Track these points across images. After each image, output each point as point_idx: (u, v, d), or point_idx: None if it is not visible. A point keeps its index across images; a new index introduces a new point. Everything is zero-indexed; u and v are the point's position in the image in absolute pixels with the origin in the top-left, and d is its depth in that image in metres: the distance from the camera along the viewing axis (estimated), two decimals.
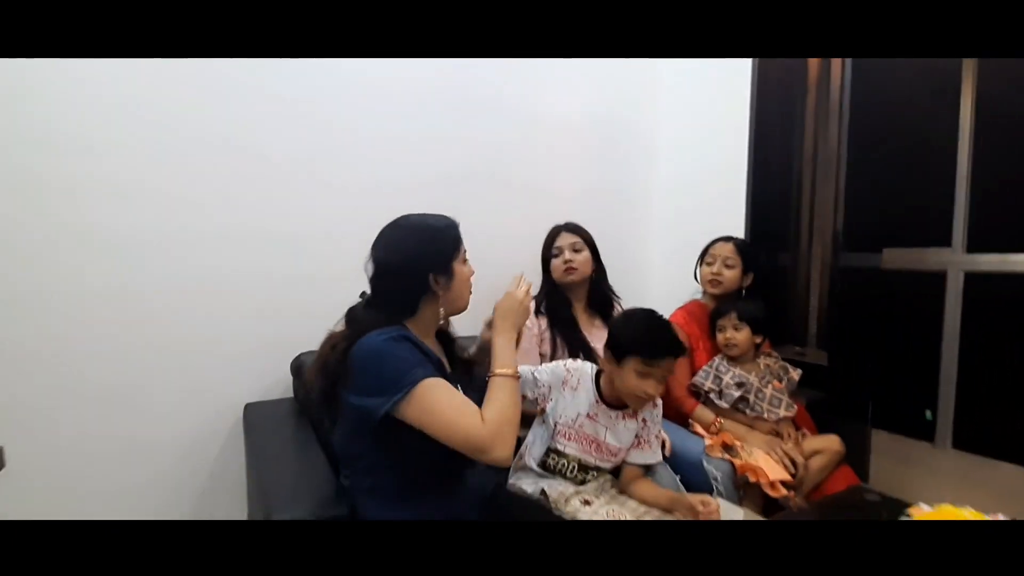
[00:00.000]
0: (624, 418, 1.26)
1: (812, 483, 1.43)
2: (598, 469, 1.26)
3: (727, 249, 1.73)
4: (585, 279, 1.70)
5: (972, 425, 2.28)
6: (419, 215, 1.10)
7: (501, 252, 1.95)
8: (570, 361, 1.30)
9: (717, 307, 1.66)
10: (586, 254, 1.69)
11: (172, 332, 1.49)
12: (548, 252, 1.71)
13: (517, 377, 1.05)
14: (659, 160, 2.43)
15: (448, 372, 1.09)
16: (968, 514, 0.98)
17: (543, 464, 1.26)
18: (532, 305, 1.51)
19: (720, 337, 1.60)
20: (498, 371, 1.04)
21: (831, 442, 1.48)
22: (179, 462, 1.52)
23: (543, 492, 1.22)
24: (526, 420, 1.18)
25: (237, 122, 1.55)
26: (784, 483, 1.35)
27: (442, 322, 1.14)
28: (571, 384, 1.26)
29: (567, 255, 1.67)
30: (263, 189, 1.60)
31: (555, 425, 1.25)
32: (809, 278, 2.06)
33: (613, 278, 1.84)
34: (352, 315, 1.08)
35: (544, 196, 2.12)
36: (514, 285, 1.18)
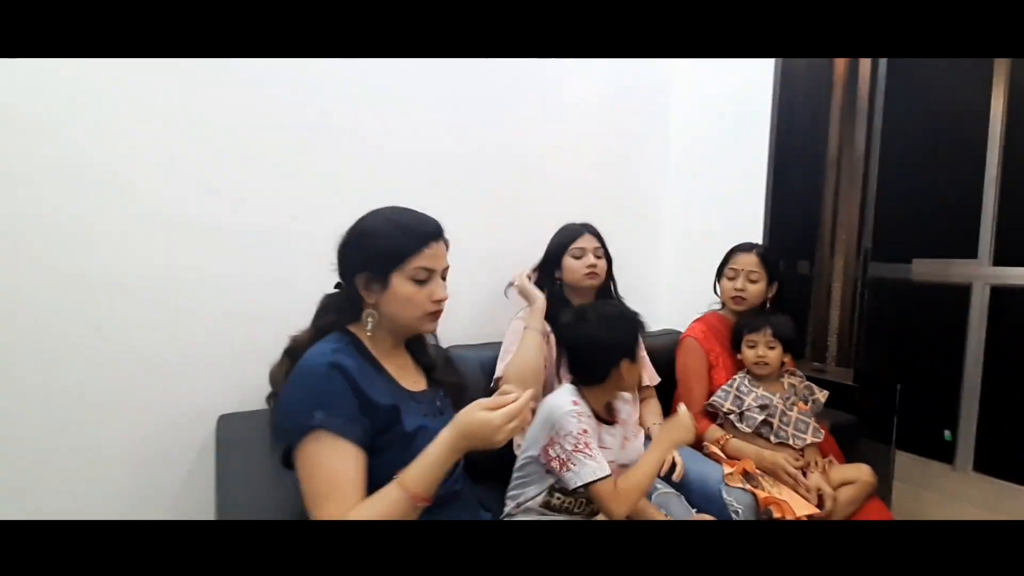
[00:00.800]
0: (620, 427, 1.22)
1: (841, 517, 1.29)
2: None
3: (750, 261, 1.57)
4: (597, 287, 1.58)
5: (995, 447, 2.17)
6: (391, 209, 0.97)
7: (502, 250, 1.83)
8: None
9: (743, 320, 1.53)
10: (604, 262, 1.58)
11: (141, 334, 1.34)
12: (562, 250, 1.57)
13: None
14: (672, 160, 2.28)
15: (409, 392, 0.96)
16: None
17: (547, 505, 1.14)
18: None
19: (750, 354, 1.47)
20: None
21: (861, 472, 1.35)
22: (146, 476, 1.37)
23: None
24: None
25: (218, 107, 1.40)
26: (811, 517, 1.22)
27: (373, 333, 0.97)
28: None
29: (591, 259, 1.54)
30: (246, 181, 1.45)
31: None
32: (831, 289, 1.93)
33: (621, 286, 1.71)
34: (318, 313, 1.00)
35: (549, 195, 1.98)
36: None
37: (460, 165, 1.79)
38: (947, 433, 2.28)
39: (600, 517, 1.14)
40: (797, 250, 2.03)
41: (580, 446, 1.06)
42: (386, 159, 1.66)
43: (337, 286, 0.99)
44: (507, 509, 1.18)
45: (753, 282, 1.55)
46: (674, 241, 2.25)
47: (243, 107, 1.45)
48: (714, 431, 1.46)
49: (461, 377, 1.09)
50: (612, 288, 1.64)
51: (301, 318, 1.02)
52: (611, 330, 1.14)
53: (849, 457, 1.58)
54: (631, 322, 1.17)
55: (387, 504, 0.82)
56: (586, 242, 1.56)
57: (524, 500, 1.16)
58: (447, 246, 0.99)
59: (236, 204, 1.44)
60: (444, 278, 0.98)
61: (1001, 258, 2.14)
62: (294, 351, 0.94)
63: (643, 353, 1.53)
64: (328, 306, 0.99)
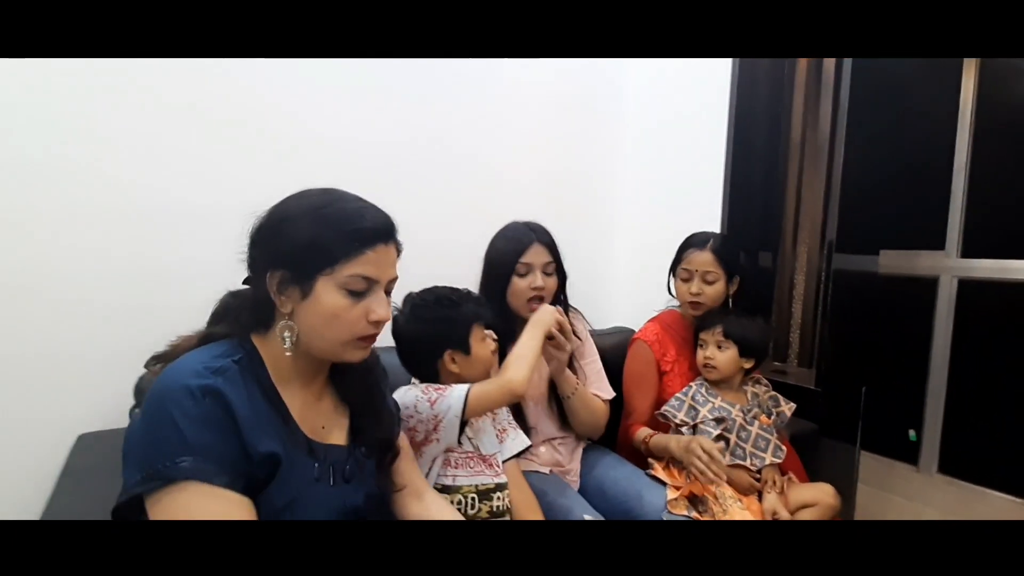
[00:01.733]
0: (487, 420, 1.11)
1: None
2: (500, 487, 1.01)
3: (705, 260, 1.36)
4: None
5: (960, 449, 2.08)
6: (329, 192, 0.74)
7: (445, 239, 1.64)
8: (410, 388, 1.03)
9: (701, 317, 1.35)
10: (554, 280, 1.30)
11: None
12: (509, 265, 1.26)
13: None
14: (626, 145, 2.11)
15: (307, 441, 0.74)
16: None
17: None
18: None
19: (699, 354, 1.31)
20: None
21: (824, 493, 1.19)
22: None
23: None
24: None
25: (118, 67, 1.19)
26: None
27: (290, 355, 0.74)
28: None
29: (539, 280, 1.25)
30: (137, 154, 1.22)
31: (438, 462, 1.00)
32: (793, 283, 1.78)
33: (571, 279, 1.50)
34: (212, 314, 0.79)
35: (499, 188, 1.79)
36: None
37: (408, 158, 1.61)
38: (912, 433, 2.19)
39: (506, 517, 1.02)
40: (758, 241, 1.87)
41: (433, 396, 0.96)
42: (328, 145, 1.46)
43: (247, 282, 0.76)
44: None
45: (710, 283, 1.36)
46: (628, 231, 2.08)
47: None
48: (641, 431, 1.30)
49: (392, 430, 0.86)
50: (561, 296, 1.36)
51: (187, 315, 0.80)
52: (425, 321, 1.01)
53: (810, 461, 1.44)
54: (452, 308, 1.02)
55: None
56: (535, 256, 1.26)
57: None
58: (399, 252, 0.77)
59: (109, 182, 1.21)
60: (389, 292, 0.77)
61: (969, 250, 2.05)
62: (168, 357, 0.72)
63: (596, 364, 1.35)
64: (228, 308, 0.77)
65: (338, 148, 1.49)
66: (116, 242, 1.24)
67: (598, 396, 1.30)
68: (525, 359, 1.04)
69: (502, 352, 1.11)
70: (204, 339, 0.73)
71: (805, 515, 1.16)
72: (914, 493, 2.14)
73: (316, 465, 0.73)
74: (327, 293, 0.69)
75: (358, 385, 0.82)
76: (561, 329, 1.16)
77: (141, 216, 1.25)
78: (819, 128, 1.74)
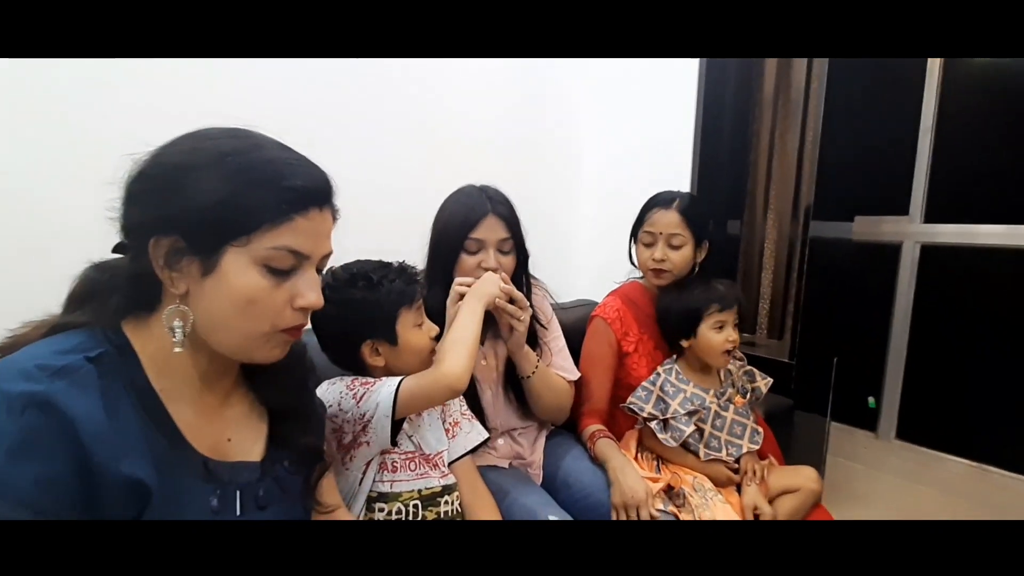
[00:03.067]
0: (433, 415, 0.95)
1: None
2: (447, 489, 0.88)
3: (671, 221, 1.18)
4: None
5: (918, 415, 2.09)
6: (245, 136, 0.55)
7: (397, 204, 1.46)
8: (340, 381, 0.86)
9: (694, 291, 1.15)
10: (512, 259, 1.10)
11: None
12: (457, 240, 1.06)
13: None
14: (589, 103, 1.94)
15: (198, 462, 0.56)
16: None
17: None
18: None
19: (718, 339, 1.11)
20: None
21: (805, 478, 1.10)
22: None
23: None
24: None
25: None
26: None
27: (181, 349, 0.56)
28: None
29: (491, 259, 1.05)
30: None
31: (373, 465, 0.85)
32: (763, 251, 1.69)
33: (531, 246, 1.32)
34: (69, 294, 0.58)
35: (451, 146, 1.60)
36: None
37: (349, 117, 1.41)
38: (871, 400, 2.19)
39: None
40: (726, 208, 1.77)
41: (359, 391, 0.81)
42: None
43: (118, 250, 0.56)
44: None
45: (676, 248, 1.19)
46: (592, 196, 1.94)
47: None
48: (589, 428, 1.15)
49: (323, 436, 0.70)
50: (521, 274, 1.15)
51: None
52: (340, 304, 0.81)
53: (782, 437, 1.36)
54: (371, 289, 0.83)
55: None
56: (487, 231, 1.05)
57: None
58: (335, 219, 0.59)
59: None
60: (321, 271, 0.60)
61: (932, 215, 2.02)
62: (5, 351, 0.53)
63: (559, 342, 1.20)
64: (91, 287, 0.57)
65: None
66: None
67: (563, 376, 1.16)
68: (463, 344, 0.86)
69: None
70: (56, 329, 0.54)
71: (787, 501, 1.07)
72: (873, 460, 2.15)
73: (216, 492, 0.56)
74: (239, 271, 0.52)
75: (280, 383, 0.65)
76: (511, 298, 1.00)
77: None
78: (792, 88, 1.62)
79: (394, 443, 0.82)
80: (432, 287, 1.04)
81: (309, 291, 0.56)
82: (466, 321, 0.90)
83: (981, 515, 1.82)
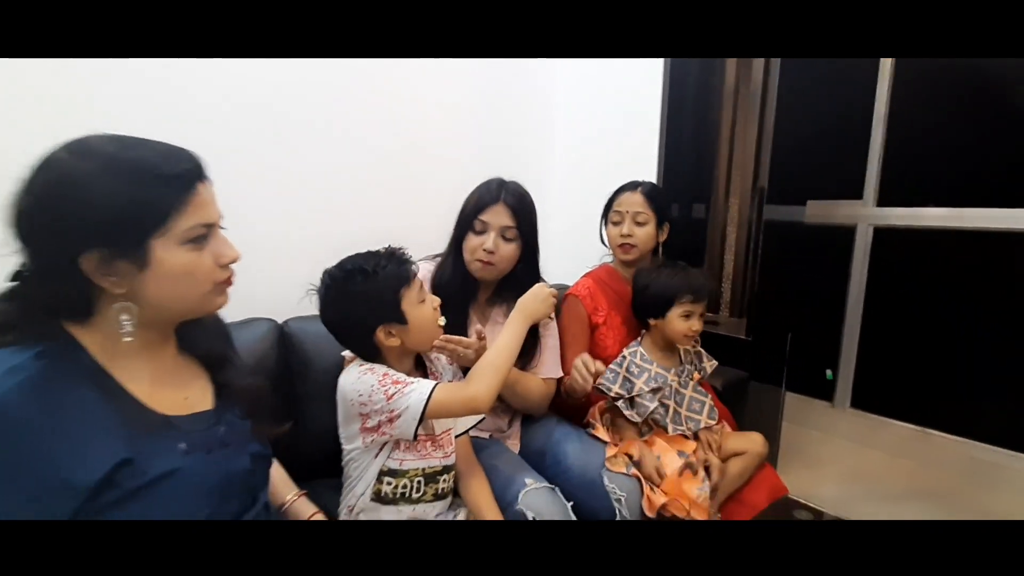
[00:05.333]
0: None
1: (729, 490, 1.18)
2: (446, 469, 0.98)
3: (636, 202, 1.35)
4: (492, 280, 1.25)
5: (871, 385, 2.25)
6: (108, 141, 0.59)
7: (373, 199, 1.55)
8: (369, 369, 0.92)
9: (665, 276, 1.24)
10: (514, 247, 1.19)
11: None
12: (468, 220, 1.18)
13: None
14: (560, 101, 2.01)
15: (166, 419, 0.65)
16: None
17: (379, 496, 0.93)
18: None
19: (684, 326, 1.21)
20: None
21: (752, 442, 1.23)
22: None
23: None
24: None
25: None
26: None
27: (132, 332, 0.62)
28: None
29: (491, 242, 1.16)
30: None
31: (388, 445, 0.93)
32: (725, 234, 1.80)
33: None
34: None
35: (426, 133, 1.66)
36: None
37: (309, 115, 1.44)
38: (828, 372, 2.34)
39: (443, 505, 0.98)
40: (691, 193, 1.87)
41: (391, 389, 0.86)
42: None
43: (18, 278, 0.60)
44: (341, 516, 0.96)
45: (641, 224, 1.34)
46: (563, 188, 2.02)
47: None
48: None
49: (254, 377, 0.79)
50: (528, 277, 1.21)
51: None
52: (346, 300, 0.89)
53: (740, 407, 1.49)
54: (370, 280, 0.89)
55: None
56: (495, 216, 1.16)
57: (354, 501, 0.93)
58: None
59: None
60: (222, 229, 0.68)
61: (885, 199, 2.15)
62: None
63: (551, 340, 1.27)
64: (5, 317, 0.59)
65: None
66: None
67: (547, 378, 1.24)
68: (496, 370, 0.92)
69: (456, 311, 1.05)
70: None
71: (736, 462, 1.20)
72: (829, 426, 2.31)
73: (182, 436, 0.64)
74: (169, 255, 0.60)
75: (208, 336, 0.75)
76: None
77: None
78: (752, 79, 1.72)
79: (415, 438, 0.89)
80: (446, 258, 1.20)
81: (226, 248, 0.66)
82: (506, 343, 0.97)
83: (922, 472, 1.99)
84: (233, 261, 0.67)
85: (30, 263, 0.59)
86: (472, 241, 1.18)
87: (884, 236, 2.17)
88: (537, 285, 1.08)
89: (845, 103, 2.20)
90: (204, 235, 0.63)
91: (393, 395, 0.85)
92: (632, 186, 1.38)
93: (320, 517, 0.88)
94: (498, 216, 1.17)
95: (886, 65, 2.06)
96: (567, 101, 1.99)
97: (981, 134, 1.98)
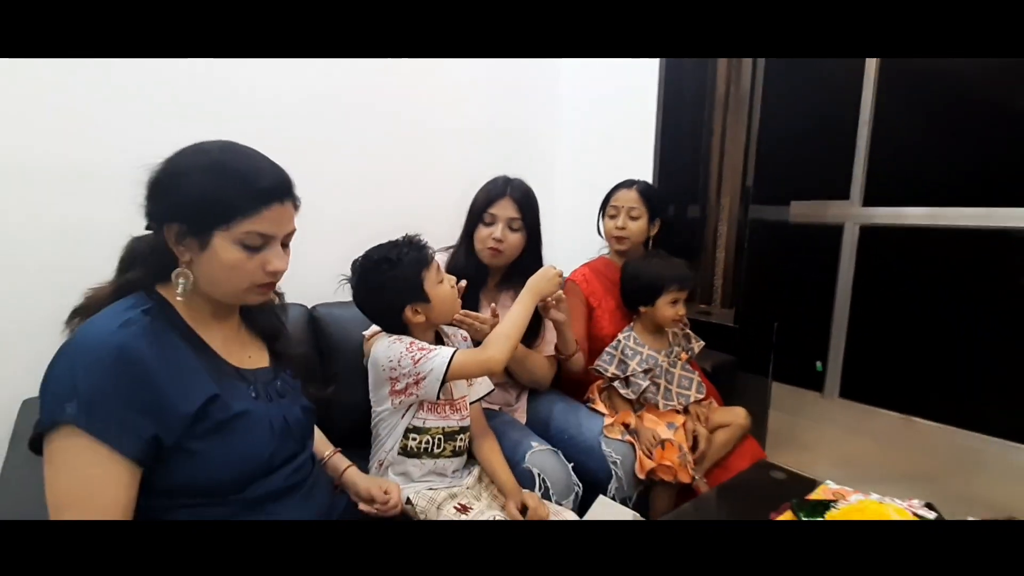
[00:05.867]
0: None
1: (715, 458, 1.31)
2: (463, 430, 1.11)
3: (630, 198, 1.50)
4: (501, 266, 1.38)
5: (859, 375, 2.37)
6: (225, 147, 0.74)
7: (382, 203, 1.70)
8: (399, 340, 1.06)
9: (653, 267, 1.38)
10: (520, 236, 1.33)
11: None
12: (478, 213, 1.33)
13: None
14: (563, 104, 2.16)
15: (238, 371, 0.79)
16: (893, 511, 0.87)
17: (405, 450, 1.06)
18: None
19: (671, 312, 1.34)
20: None
21: (736, 416, 1.37)
22: None
23: (408, 500, 0.99)
24: None
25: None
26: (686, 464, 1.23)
27: (200, 299, 0.77)
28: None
29: (498, 231, 1.30)
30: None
31: (413, 407, 1.06)
32: (717, 232, 1.93)
33: None
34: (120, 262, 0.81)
35: (432, 136, 1.81)
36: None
37: (338, 117, 1.62)
38: (819, 364, 2.45)
39: (465, 485, 1.09)
40: (687, 194, 2.00)
41: (417, 355, 0.99)
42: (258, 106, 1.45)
43: (148, 228, 0.76)
44: (371, 472, 1.09)
45: (634, 219, 1.49)
46: (567, 188, 2.16)
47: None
48: None
49: (303, 349, 0.92)
50: (530, 263, 1.33)
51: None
52: (376, 285, 1.03)
53: (729, 391, 1.62)
54: (396, 266, 1.02)
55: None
56: (502, 209, 1.31)
57: (384, 456, 1.07)
58: (296, 208, 0.78)
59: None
60: (286, 244, 0.78)
61: (871, 199, 2.27)
62: (86, 310, 0.72)
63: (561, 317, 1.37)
64: (135, 255, 0.78)
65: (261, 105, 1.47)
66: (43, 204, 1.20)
67: (550, 355, 1.38)
68: (508, 338, 1.05)
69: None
70: (116, 288, 0.74)
71: (721, 434, 1.33)
72: (819, 415, 2.42)
73: (249, 387, 0.78)
74: (224, 248, 0.71)
75: (268, 316, 0.88)
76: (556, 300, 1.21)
77: (34, 178, 1.21)
78: (740, 84, 1.85)
79: (438, 398, 1.02)
80: (459, 248, 1.36)
81: (276, 260, 0.75)
82: (517, 316, 1.10)
83: (907, 458, 2.10)
84: (278, 272, 0.76)
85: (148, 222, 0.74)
86: (482, 232, 1.32)
87: (870, 234, 2.28)
88: (546, 266, 1.20)
89: (832, 108, 2.33)
90: (259, 244, 0.73)
91: (419, 360, 0.98)
92: (628, 184, 1.53)
93: (354, 469, 1.01)
94: (505, 209, 1.31)
95: (870, 72, 2.18)
96: (569, 109, 2.14)
97: (959, 137, 2.10)
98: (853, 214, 2.29)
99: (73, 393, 0.63)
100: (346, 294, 1.12)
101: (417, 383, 0.99)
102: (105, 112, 1.26)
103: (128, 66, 1.28)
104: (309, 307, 1.40)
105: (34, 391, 1.20)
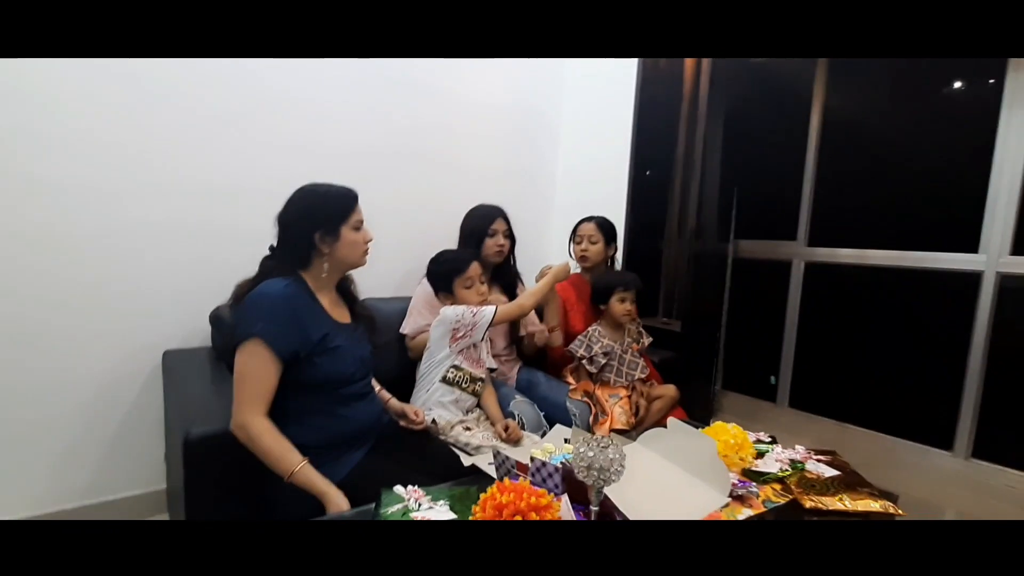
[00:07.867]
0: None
1: (651, 422, 1.79)
2: (481, 380, 1.61)
3: (590, 228, 2.07)
4: (499, 262, 1.95)
5: (805, 387, 2.77)
6: (319, 184, 1.26)
7: (419, 220, 2.22)
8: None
9: (609, 277, 1.92)
10: (509, 241, 1.94)
11: (98, 277, 1.60)
12: (484, 229, 1.91)
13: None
14: (562, 150, 2.73)
15: (337, 322, 1.26)
16: (732, 429, 1.32)
17: (444, 379, 1.55)
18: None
19: (620, 308, 1.86)
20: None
21: (668, 390, 1.87)
22: (96, 398, 1.64)
23: (434, 421, 1.48)
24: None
25: (176, 76, 1.68)
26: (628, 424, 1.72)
27: (326, 275, 1.26)
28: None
29: (501, 240, 1.91)
30: (193, 144, 1.72)
31: (456, 355, 1.56)
32: (676, 262, 2.42)
33: (520, 254, 2.09)
34: (262, 264, 1.29)
35: (459, 174, 2.36)
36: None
37: (383, 139, 2.15)
38: (772, 378, 2.87)
39: (471, 416, 1.57)
40: (656, 231, 2.51)
41: (473, 310, 1.57)
42: (318, 132, 1.99)
43: (271, 249, 1.27)
44: (417, 404, 1.54)
45: (594, 243, 2.05)
46: (562, 220, 2.69)
47: (199, 80, 1.73)
48: None
49: (372, 313, 1.44)
50: (512, 262, 2.00)
51: (240, 267, 1.29)
52: (437, 264, 1.73)
53: (671, 373, 2.09)
54: (446, 263, 1.70)
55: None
56: (499, 224, 1.91)
57: (430, 387, 1.56)
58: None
59: (186, 165, 1.72)
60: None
61: (814, 240, 2.72)
62: (238, 293, 1.23)
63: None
64: (268, 264, 1.27)
65: (341, 141, 2.04)
66: (184, 211, 1.73)
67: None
68: (534, 295, 1.67)
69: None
70: (261, 273, 1.24)
71: (657, 404, 1.82)
72: (771, 421, 2.81)
73: (342, 332, 1.27)
74: (348, 233, 1.24)
75: (351, 291, 1.39)
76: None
77: (195, 192, 1.74)
78: (696, 145, 2.36)
79: (482, 339, 1.58)
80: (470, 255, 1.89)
81: (367, 233, 1.28)
82: (541, 286, 1.70)
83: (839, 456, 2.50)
84: (369, 240, 1.30)
85: (281, 239, 1.26)
86: (489, 243, 1.89)
87: (813, 269, 2.73)
88: (563, 262, 1.80)
89: (784, 165, 2.81)
90: (360, 226, 1.27)
91: (476, 312, 1.53)
92: (589, 219, 2.10)
93: (395, 399, 1.50)
94: (501, 224, 1.90)
95: (813, 130, 2.66)
96: (564, 155, 2.69)
97: (885, 189, 2.56)
98: (799, 252, 2.74)
99: (259, 318, 1.13)
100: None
101: (473, 328, 1.52)
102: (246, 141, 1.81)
103: (256, 107, 1.84)
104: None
105: (171, 345, 1.70)
